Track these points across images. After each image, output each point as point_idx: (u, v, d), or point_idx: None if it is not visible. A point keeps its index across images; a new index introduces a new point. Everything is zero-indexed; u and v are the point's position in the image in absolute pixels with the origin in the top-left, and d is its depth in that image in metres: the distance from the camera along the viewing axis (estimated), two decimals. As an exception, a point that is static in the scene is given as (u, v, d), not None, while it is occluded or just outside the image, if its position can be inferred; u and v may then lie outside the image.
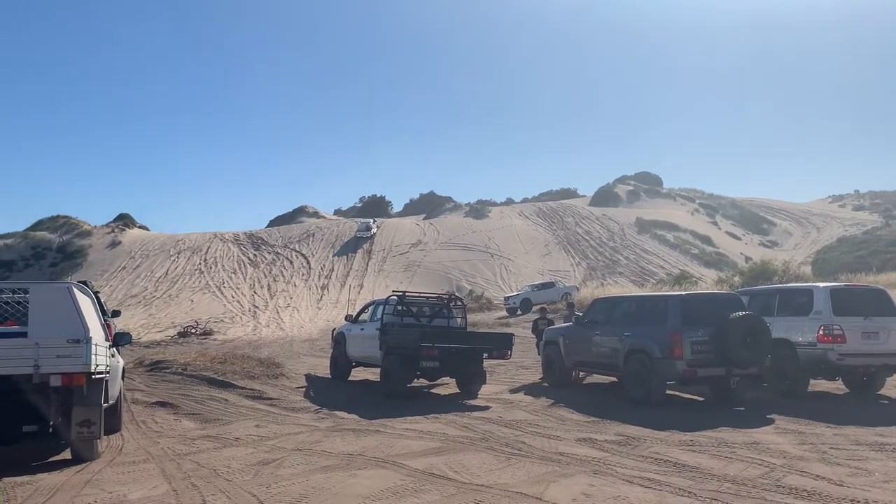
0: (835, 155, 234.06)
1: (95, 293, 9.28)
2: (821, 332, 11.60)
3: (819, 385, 13.08)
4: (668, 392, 11.90)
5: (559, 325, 16.22)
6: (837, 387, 13.13)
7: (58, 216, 75.26)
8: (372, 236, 66.47)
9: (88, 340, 7.22)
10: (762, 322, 11.44)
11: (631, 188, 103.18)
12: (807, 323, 11.87)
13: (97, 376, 7.66)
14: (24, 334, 7.42)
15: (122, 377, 10.56)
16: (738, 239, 79.52)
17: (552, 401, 12.09)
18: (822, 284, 12.68)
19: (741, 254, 67.42)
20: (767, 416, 10.22)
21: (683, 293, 13.17)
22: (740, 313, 11.36)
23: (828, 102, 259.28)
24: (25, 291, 8.60)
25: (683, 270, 50.43)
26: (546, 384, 14.41)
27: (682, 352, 11.06)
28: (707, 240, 72.64)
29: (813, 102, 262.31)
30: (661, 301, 12.41)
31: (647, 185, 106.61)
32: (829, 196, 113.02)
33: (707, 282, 39.92)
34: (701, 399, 12.37)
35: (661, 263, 60.74)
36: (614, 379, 13.28)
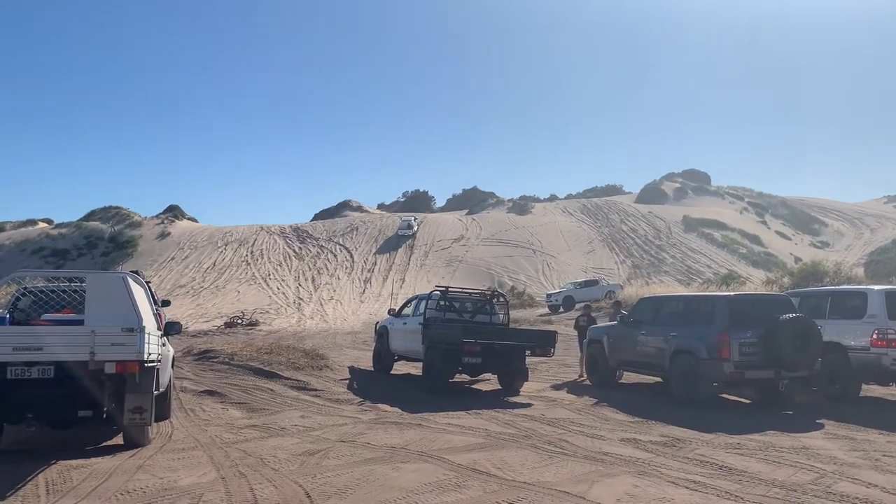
0: (891, 153, 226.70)
1: (146, 283, 9.51)
2: (875, 336, 11.28)
3: (871, 390, 12.74)
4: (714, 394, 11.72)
5: (602, 323, 16.09)
6: (891, 392, 12.78)
7: (110, 207, 77.41)
8: (413, 234, 66.46)
9: (142, 329, 7.41)
10: (813, 324, 11.18)
11: (678, 185, 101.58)
12: (860, 326, 11.54)
13: (149, 364, 7.86)
14: (80, 322, 7.65)
15: (172, 366, 10.81)
16: (788, 239, 77.73)
17: (595, 400, 12.01)
18: (876, 287, 12.33)
19: (791, 254, 65.92)
20: (817, 421, 9.99)
21: (732, 293, 12.93)
22: (790, 315, 11.12)
23: (883, 98, 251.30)
24: (82, 281, 8.88)
25: (731, 270, 49.53)
26: (589, 383, 14.32)
27: (729, 353, 10.88)
28: (756, 239, 71.15)
29: (867, 99, 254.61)
30: (708, 301, 12.21)
31: (695, 182, 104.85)
32: (885, 196, 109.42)
33: (755, 282, 39.14)
34: (748, 402, 12.15)
35: (707, 263, 59.73)
36: (659, 379, 13.13)
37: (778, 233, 79.56)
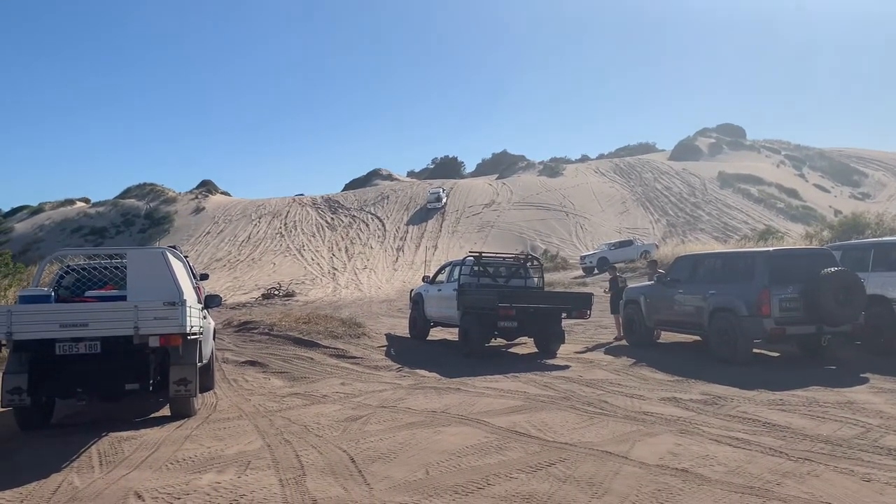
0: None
1: (185, 257, 9.65)
2: (921, 288, 11.02)
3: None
4: (754, 351, 11.60)
5: (634, 284, 15.96)
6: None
7: (144, 184, 78.59)
8: (443, 207, 64.59)
9: (183, 303, 7.53)
10: (856, 278, 10.95)
11: (713, 141, 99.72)
12: (906, 278, 11.27)
13: (192, 337, 8.01)
14: (123, 298, 7.81)
15: (214, 338, 11.01)
16: (827, 191, 76.01)
17: (633, 360, 11.96)
18: (922, 237, 12.00)
19: (830, 207, 64.47)
20: (861, 375, 9.85)
21: (771, 249, 12.71)
22: (832, 269, 10.90)
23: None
24: (122, 257, 9.04)
25: (768, 226, 48.63)
26: (626, 343, 14.27)
27: (770, 309, 10.74)
28: (793, 193, 69.73)
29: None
30: (747, 257, 12.02)
31: (730, 136, 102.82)
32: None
33: (793, 237, 38.47)
34: (789, 358, 11.99)
35: (744, 219, 58.79)
36: (698, 338, 13.03)
37: (816, 185, 77.85)
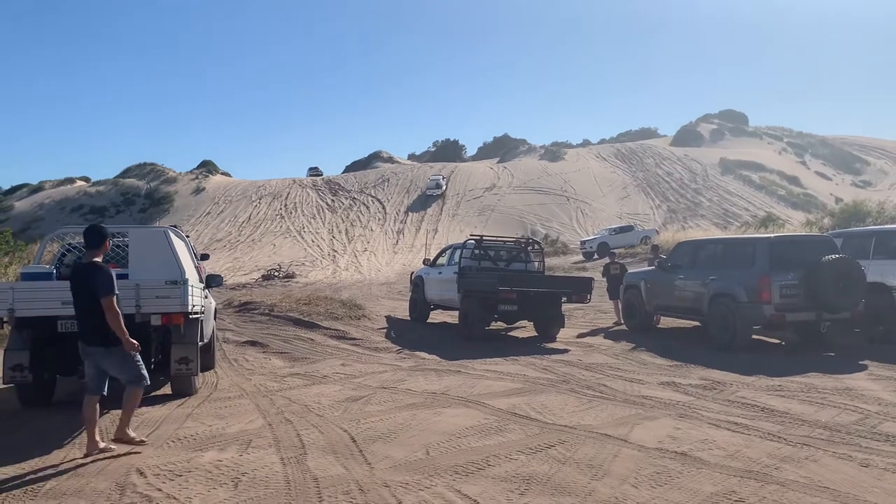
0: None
1: (186, 237, 9.64)
2: (921, 276, 11.03)
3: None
4: (754, 337, 11.62)
5: (633, 269, 15.96)
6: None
7: (145, 164, 78.44)
8: (442, 194, 63.45)
9: (185, 282, 7.53)
10: (856, 265, 10.94)
11: (715, 127, 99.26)
12: (906, 266, 11.28)
13: (193, 316, 8.02)
14: (125, 276, 7.80)
15: (215, 317, 11.02)
16: (829, 179, 75.82)
17: (633, 345, 11.99)
18: (922, 226, 11.99)
19: (831, 195, 64.32)
20: (860, 363, 9.87)
21: (772, 235, 12.70)
22: (833, 256, 10.90)
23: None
24: (124, 235, 9.03)
25: (769, 213, 48.57)
26: (626, 328, 14.30)
27: (770, 296, 10.75)
28: (795, 180, 69.57)
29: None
30: (748, 244, 12.01)
31: (732, 123, 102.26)
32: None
33: (794, 224, 38.47)
34: (788, 345, 12.03)
35: (745, 205, 58.68)
36: (697, 323, 13.07)
37: (818, 173, 77.64)
